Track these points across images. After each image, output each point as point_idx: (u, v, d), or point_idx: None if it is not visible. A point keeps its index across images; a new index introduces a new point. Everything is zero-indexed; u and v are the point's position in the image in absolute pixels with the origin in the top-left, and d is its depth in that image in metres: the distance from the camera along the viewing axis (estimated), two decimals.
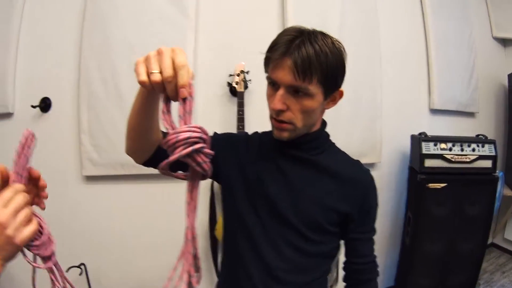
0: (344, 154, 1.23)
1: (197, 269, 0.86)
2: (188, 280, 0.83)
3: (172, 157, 0.75)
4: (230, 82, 2.25)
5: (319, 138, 1.17)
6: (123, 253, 2.43)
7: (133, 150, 1.10)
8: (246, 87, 2.22)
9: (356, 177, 1.17)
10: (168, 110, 0.77)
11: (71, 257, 2.42)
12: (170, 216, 2.27)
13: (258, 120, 2.26)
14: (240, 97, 2.20)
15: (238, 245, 1.17)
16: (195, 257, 0.86)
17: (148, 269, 2.41)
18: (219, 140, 1.20)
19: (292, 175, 1.14)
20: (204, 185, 2.27)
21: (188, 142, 0.74)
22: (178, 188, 2.26)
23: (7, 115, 2.46)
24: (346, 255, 1.23)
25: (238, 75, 2.21)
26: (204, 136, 0.76)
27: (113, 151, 2.23)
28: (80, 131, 2.27)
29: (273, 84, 1.06)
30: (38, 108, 2.34)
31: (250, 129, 2.21)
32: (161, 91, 0.77)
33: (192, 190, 0.82)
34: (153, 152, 1.08)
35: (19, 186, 0.79)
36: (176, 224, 2.27)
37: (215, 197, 2.28)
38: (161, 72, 0.74)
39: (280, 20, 2.42)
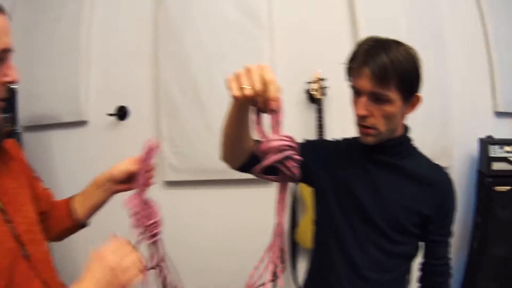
0: (425, 158, 1.29)
1: (283, 261, 0.94)
2: (273, 270, 0.91)
3: (265, 162, 0.84)
4: (308, 89, 2.30)
5: (402, 143, 1.24)
6: (201, 257, 2.49)
7: (228, 157, 1.20)
8: (323, 94, 2.27)
9: (437, 181, 1.24)
10: (259, 121, 0.86)
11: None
12: (248, 220, 2.34)
13: (337, 126, 2.29)
14: (319, 104, 2.25)
15: (328, 245, 1.27)
16: (282, 250, 0.93)
17: (226, 272, 2.47)
18: (311, 146, 1.32)
19: (378, 179, 1.22)
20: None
21: (280, 149, 0.83)
22: (257, 193, 2.34)
23: (82, 123, 2.57)
24: (424, 256, 1.30)
25: (315, 82, 2.26)
26: (293, 144, 0.85)
27: (195, 157, 2.32)
28: (161, 138, 2.36)
29: (356, 92, 1.16)
30: (114, 116, 2.44)
31: (329, 135, 2.26)
32: (252, 104, 0.86)
33: (282, 191, 0.91)
34: (247, 158, 1.16)
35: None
36: (253, 227, 2.35)
37: (296, 202, 2.33)
38: (251, 87, 0.82)
39: (351, 25, 2.45)
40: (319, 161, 1.29)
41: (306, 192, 2.25)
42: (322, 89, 2.26)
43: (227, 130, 1.10)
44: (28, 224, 0.99)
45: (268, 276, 0.91)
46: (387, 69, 1.08)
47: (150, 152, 1.08)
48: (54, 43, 2.65)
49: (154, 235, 1.09)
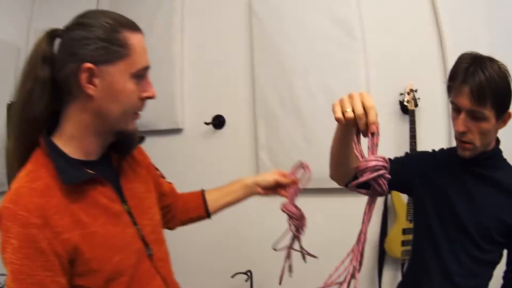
0: None
1: (360, 265, 1.03)
2: (352, 272, 1.01)
3: (361, 179, 0.94)
4: (401, 100, 2.33)
5: (495, 156, 1.34)
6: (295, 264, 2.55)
7: (335, 175, 1.37)
8: (416, 105, 2.28)
9: None
10: (358, 142, 0.97)
11: (240, 263, 2.60)
12: (342, 228, 2.38)
13: (429, 137, 2.30)
14: (411, 115, 2.27)
15: (425, 251, 1.38)
16: (361, 255, 1.03)
17: (312, 280, 2.52)
18: (411, 159, 1.50)
19: (474, 190, 1.32)
20: (379, 201, 2.36)
21: (375, 169, 0.92)
22: (349, 202, 2.38)
23: (177, 131, 2.69)
24: (507, 264, 1.38)
25: (408, 93, 2.28)
26: (386, 164, 0.94)
27: (292, 166, 2.36)
28: (258, 147, 2.45)
29: (456, 109, 1.25)
30: (210, 125, 2.54)
31: (421, 146, 2.26)
32: (353, 126, 0.96)
33: (371, 204, 1.00)
34: (352, 176, 1.20)
35: None
36: (347, 235, 2.38)
37: (387, 212, 2.36)
38: (353, 111, 0.93)
39: (438, 36, 2.46)
40: (418, 172, 1.42)
41: (398, 202, 2.27)
42: (414, 100, 2.27)
43: (333, 150, 1.24)
44: (153, 226, 1.10)
45: (346, 276, 1.01)
46: (484, 89, 1.17)
47: (301, 168, 1.44)
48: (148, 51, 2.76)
49: (300, 230, 1.44)
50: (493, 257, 1.34)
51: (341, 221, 2.40)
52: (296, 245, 1.47)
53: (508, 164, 1.37)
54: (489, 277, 1.37)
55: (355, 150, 0.96)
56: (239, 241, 2.69)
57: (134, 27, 0.98)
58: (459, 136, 1.27)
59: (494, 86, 1.17)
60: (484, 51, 2.17)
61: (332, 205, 2.42)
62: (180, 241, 2.86)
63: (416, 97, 2.28)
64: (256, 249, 2.63)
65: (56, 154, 0.91)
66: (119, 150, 1.06)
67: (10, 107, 2.46)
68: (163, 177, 1.35)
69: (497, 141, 1.35)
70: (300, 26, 2.43)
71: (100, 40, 0.90)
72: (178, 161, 2.79)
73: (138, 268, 1.00)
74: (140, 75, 0.97)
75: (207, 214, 1.45)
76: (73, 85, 0.91)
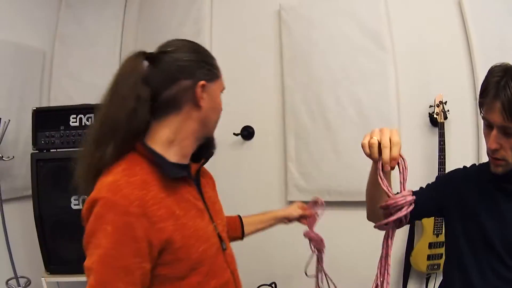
0: None
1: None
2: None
3: (392, 218, 0.98)
4: (431, 112, 2.32)
5: None
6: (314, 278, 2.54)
7: (371, 216, 1.39)
8: (445, 117, 2.27)
9: None
10: (384, 176, 0.99)
11: (265, 275, 2.60)
12: (368, 243, 2.36)
13: (458, 150, 2.30)
14: (441, 127, 2.25)
15: (454, 268, 1.33)
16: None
17: None
18: (442, 182, 1.45)
19: (504, 207, 1.24)
20: None
21: (403, 206, 0.96)
22: None
23: None
24: None
25: (437, 105, 2.27)
26: (412, 199, 0.97)
27: (321, 178, 2.37)
28: (287, 159, 2.46)
29: (488, 125, 1.18)
30: (239, 136, 2.54)
31: (450, 159, 2.25)
32: (376, 157, 0.98)
33: (393, 231, 1.04)
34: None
35: None
36: (369, 248, 2.37)
37: (414, 226, 2.34)
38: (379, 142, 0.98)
39: (466, 47, 2.44)
40: (449, 194, 1.37)
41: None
42: (444, 113, 2.26)
43: (368, 191, 1.28)
44: (223, 225, 1.25)
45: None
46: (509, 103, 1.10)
47: (317, 204, 1.75)
48: None
49: (321, 251, 1.72)
50: None
51: (369, 234, 2.38)
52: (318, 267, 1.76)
53: None
54: None
55: (382, 185, 0.99)
56: (265, 253, 2.68)
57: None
58: (491, 153, 1.21)
59: None
60: None
61: (359, 217, 2.40)
62: None
63: (446, 109, 2.27)
64: (281, 261, 2.63)
65: (158, 155, 1.05)
66: (195, 159, 1.20)
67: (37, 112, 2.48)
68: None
69: None
70: (330, 36, 2.44)
71: (205, 63, 1.12)
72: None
73: (215, 260, 1.13)
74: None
75: (242, 236, 1.67)
76: (183, 98, 1.07)
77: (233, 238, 1.57)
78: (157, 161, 1.03)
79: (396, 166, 0.99)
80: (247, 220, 1.68)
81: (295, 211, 1.74)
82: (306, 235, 1.71)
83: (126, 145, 1.04)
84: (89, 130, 1.11)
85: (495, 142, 1.17)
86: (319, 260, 1.76)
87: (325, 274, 1.74)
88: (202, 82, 1.07)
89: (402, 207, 0.97)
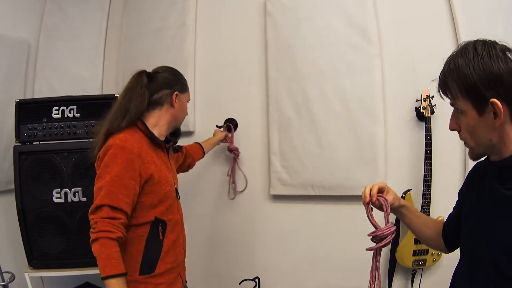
0: None
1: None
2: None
3: (380, 245, 1.26)
4: (417, 107, 2.30)
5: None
6: (297, 271, 2.55)
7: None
8: (432, 112, 2.26)
9: None
10: (370, 213, 1.30)
11: (248, 270, 2.61)
12: (350, 237, 2.36)
13: (445, 144, 2.28)
14: (427, 122, 2.24)
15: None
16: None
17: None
18: (459, 193, 1.35)
19: (484, 205, 1.11)
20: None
21: (388, 235, 1.25)
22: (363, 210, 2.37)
23: (188, 134, 2.73)
24: None
25: (424, 100, 2.26)
26: (394, 228, 1.25)
27: (305, 172, 2.36)
28: (271, 152, 2.45)
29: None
30: (222, 128, 2.54)
31: (436, 153, 2.24)
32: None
33: (378, 255, 1.30)
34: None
35: None
36: (351, 243, 2.37)
37: (400, 222, 2.33)
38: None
39: (455, 42, 2.43)
40: (461, 204, 1.31)
41: None
42: (430, 107, 2.25)
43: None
44: (177, 183, 1.92)
45: None
46: (445, 77, 1.05)
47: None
48: (158, 53, 2.79)
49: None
50: None
51: (351, 228, 2.39)
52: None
53: None
54: None
55: (371, 221, 1.28)
56: (248, 248, 2.68)
57: None
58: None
59: (463, 73, 1.00)
60: None
61: (342, 212, 2.41)
62: (188, 248, 2.86)
63: (432, 104, 2.26)
64: (264, 256, 2.63)
65: (149, 130, 1.73)
66: (168, 141, 1.88)
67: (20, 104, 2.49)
68: (182, 150, 2.23)
69: None
70: (316, 29, 2.41)
71: (180, 82, 1.88)
72: None
73: (173, 202, 1.77)
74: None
75: (203, 155, 2.42)
76: (165, 100, 1.79)
77: (199, 157, 2.39)
78: (148, 133, 1.72)
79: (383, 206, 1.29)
80: (203, 144, 2.42)
81: (221, 134, 2.52)
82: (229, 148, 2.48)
83: (133, 121, 1.69)
84: (109, 111, 1.73)
85: (451, 121, 1.11)
86: (235, 160, 2.55)
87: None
88: (176, 92, 1.82)
89: (387, 236, 1.25)
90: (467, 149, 1.13)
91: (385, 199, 1.29)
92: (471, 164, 2.18)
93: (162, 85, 1.79)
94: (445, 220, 1.42)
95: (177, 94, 1.81)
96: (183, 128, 2.69)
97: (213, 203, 2.76)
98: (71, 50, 3.00)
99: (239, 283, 2.53)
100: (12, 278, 2.56)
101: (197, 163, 2.66)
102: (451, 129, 1.12)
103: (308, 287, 2.53)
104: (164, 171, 1.73)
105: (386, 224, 1.25)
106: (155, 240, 1.68)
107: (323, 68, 2.36)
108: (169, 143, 1.89)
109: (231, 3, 2.71)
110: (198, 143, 2.41)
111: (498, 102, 0.96)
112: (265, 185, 2.59)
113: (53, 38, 3.04)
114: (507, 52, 1.00)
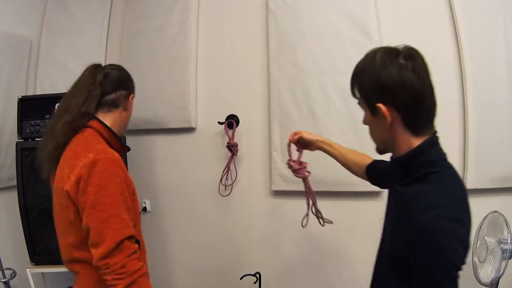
0: (429, 189, 1.05)
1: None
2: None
3: (294, 174, 1.92)
4: None
5: (407, 164, 1.11)
6: (298, 266, 2.58)
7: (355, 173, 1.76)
8: None
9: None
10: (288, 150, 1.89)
11: (249, 265, 2.65)
12: (351, 233, 2.39)
13: (444, 141, 2.21)
14: None
15: None
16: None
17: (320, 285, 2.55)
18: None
19: (390, 205, 1.25)
20: None
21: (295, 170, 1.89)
22: (364, 206, 2.40)
23: (190, 130, 2.74)
24: None
25: None
26: (298, 168, 1.89)
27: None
28: (272, 148, 2.49)
29: None
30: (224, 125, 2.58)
31: None
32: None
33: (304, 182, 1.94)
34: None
35: None
36: (356, 237, 2.40)
37: None
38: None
39: (455, 41, 2.47)
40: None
41: None
42: None
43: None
44: None
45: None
46: (352, 79, 1.19)
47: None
48: (160, 50, 2.83)
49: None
50: None
51: (352, 223, 2.42)
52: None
53: (436, 182, 1.06)
54: None
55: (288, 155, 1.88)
56: (249, 243, 2.72)
57: None
58: None
59: (356, 76, 1.17)
60: (501, 53, 2.21)
61: (343, 207, 2.44)
62: (189, 243, 2.90)
63: None
64: (265, 251, 2.66)
65: (115, 135, 1.56)
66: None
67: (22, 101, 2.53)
68: None
69: (418, 150, 1.10)
70: (317, 27, 2.45)
71: (131, 82, 1.69)
72: (190, 160, 2.84)
73: (139, 221, 1.56)
74: None
75: None
76: (120, 101, 1.59)
77: None
78: (115, 137, 1.55)
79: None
80: None
81: None
82: (229, 143, 2.52)
83: (78, 121, 1.46)
84: (54, 114, 1.53)
85: (364, 117, 1.21)
86: (232, 156, 2.56)
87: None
88: (132, 95, 1.66)
89: (295, 170, 1.91)
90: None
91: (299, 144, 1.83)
92: (471, 161, 2.24)
93: (119, 84, 1.59)
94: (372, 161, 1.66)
95: (133, 97, 1.65)
96: (184, 124, 2.76)
97: (214, 199, 2.79)
98: (73, 46, 3.02)
99: (240, 278, 2.57)
100: (14, 274, 2.59)
101: (195, 159, 2.74)
102: (364, 123, 1.23)
103: (309, 282, 2.56)
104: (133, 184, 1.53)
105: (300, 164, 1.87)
106: None
107: (324, 65, 2.40)
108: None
109: (233, 0, 2.75)
110: None
111: (383, 107, 1.07)
112: (266, 181, 2.63)
113: (55, 34, 3.07)
114: (409, 61, 1.08)
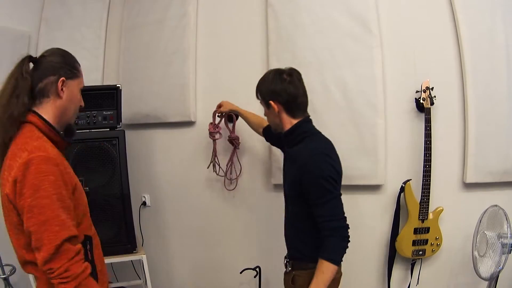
0: (305, 143, 1.77)
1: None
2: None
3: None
4: (417, 98, 2.34)
5: (290, 135, 1.82)
6: None
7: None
8: (432, 103, 2.29)
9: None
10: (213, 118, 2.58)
11: (249, 259, 2.69)
12: (352, 226, 2.40)
13: (444, 135, 2.34)
14: (427, 113, 2.28)
15: None
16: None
17: None
18: None
19: (284, 163, 1.96)
20: (392, 200, 2.41)
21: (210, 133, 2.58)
22: (361, 200, 2.40)
23: (189, 124, 2.75)
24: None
25: (424, 91, 2.29)
26: (213, 130, 2.56)
27: None
28: None
29: None
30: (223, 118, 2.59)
31: (436, 144, 2.28)
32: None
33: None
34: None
35: None
36: (356, 231, 2.41)
37: (400, 210, 2.38)
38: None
39: (455, 35, 2.46)
40: None
41: (410, 202, 2.29)
42: (430, 98, 2.29)
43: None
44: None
45: None
46: (256, 88, 1.91)
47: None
48: (159, 43, 2.83)
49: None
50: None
51: (352, 217, 2.41)
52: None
53: (309, 140, 1.78)
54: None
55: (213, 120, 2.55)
56: (249, 237, 2.73)
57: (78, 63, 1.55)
58: None
59: (259, 88, 1.88)
60: (501, 47, 2.22)
61: (343, 201, 2.43)
62: (188, 237, 2.92)
63: (432, 95, 2.29)
64: (265, 245, 2.67)
65: (54, 127, 1.44)
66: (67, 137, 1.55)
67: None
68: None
69: (296, 125, 1.81)
70: (316, 20, 2.45)
71: (68, 65, 1.48)
72: (190, 153, 2.85)
73: (87, 217, 1.48)
74: (81, 91, 1.54)
75: None
76: (50, 89, 1.44)
77: None
78: (48, 130, 1.41)
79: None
80: None
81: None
82: (230, 137, 2.62)
83: (10, 119, 1.35)
84: None
85: (264, 112, 1.94)
86: (234, 150, 2.67)
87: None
88: (62, 79, 1.44)
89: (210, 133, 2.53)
90: None
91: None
92: (470, 156, 2.26)
93: (46, 71, 1.43)
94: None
95: (63, 81, 1.44)
96: (184, 118, 2.76)
97: (214, 193, 2.80)
98: (71, 41, 3.02)
99: (240, 272, 2.59)
100: (13, 270, 2.60)
101: (195, 153, 2.74)
102: (264, 115, 1.97)
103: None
104: (75, 177, 1.44)
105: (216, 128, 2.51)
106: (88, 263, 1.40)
107: (324, 59, 2.40)
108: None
109: None
110: None
111: (273, 103, 1.80)
112: (267, 174, 2.64)
113: (54, 29, 3.07)
114: (290, 75, 1.82)
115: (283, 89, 1.78)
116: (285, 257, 2.02)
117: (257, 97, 1.91)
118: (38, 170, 1.24)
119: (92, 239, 1.45)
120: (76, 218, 1.35)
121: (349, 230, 1.76)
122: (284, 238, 2.05)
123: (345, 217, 1.76)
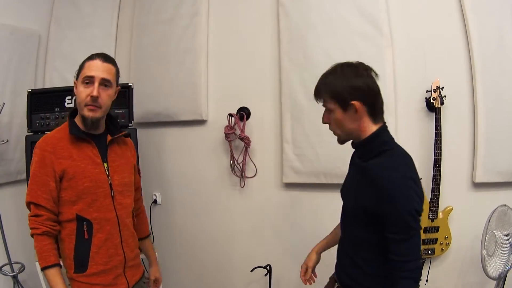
0: (386, 161, 1.46)
1: None
2: None
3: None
4: (428, 97, 2.39)
5: (366, 145, 1.51)
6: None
7: None
8: (442, 102, 2.34)
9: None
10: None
11: (260, 257, 2.74)
12: None
13: (454, 135, 2.39)
14: (437, 112, 2.33)
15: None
16: None
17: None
18: None
19: (354, 177, 1.63)
20: None
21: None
22: None
23: (201, 122, 2.80)
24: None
25: (434, 91, 2.34)
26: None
27: (317, 160, 2.47)
28: (283, 140, 2.56)
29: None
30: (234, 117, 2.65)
31: (446, 143, 2.32)
32: None
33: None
34: None
35: None
36: None
37: None
38: None
39: (465, 34, 2.50)
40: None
41: None
42: (440, 98, 2.33)
43: None
44: (121, 183, 1.83)
45: None
46: (318, 87, 1.56)
47: None
48: (170, 42, 2.88)
49: None
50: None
51: None
52: None
53: (390, 154, 1.48)
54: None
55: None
56: (259, 236, 2.79)
57: (92, 57, 1.74)
58: None
59: (325, 83, 1.53)
60: (510, 46, 2.26)
61: None
62: (199, 235, 2.97)
63: (442, 95, 2.34)
64: (276, 244, 2.73)
65: (73, 124, 1.76)
66: (111, 134, 1.85)
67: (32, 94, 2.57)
68: (139, 174, 2.12)
69: (375, 133, 1.50)
70: (327, 19, 2.50)
71: (78, 69, 1.75)
72: (201, 152, 2.91)
73: (103, 200, 1.74)
74: (86, 82, 1.69)
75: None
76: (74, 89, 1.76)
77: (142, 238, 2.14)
78: (69, 126, 1.74)
79: None
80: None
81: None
82: (240, 136, 2.63)
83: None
84: None
85: (324, 117, 1.58)
86: (246, 149, 2.65)
87: None
88: (75, 80, 1.74)
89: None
90: (336, 136, 1.60)
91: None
92: (480, 156, 2.29)
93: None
94: None
95: (75, 82, 1.74)
96: (195, 117, 2.82)
97: (225, 191, 2.86)
98: (82, 40, 3.07)
99: (251, 271, 2.64)
100: (22, 268, 2.64)
101: (206, 152, 2.81)
102: (324, 122, 1.59)
103: (320, 274, 2.62)
104: (85, 166, 1.71)
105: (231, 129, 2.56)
106: (82, 239, 1.70)
107: (335, 57, 2.37)
108: (112, 136, 1.84)
109: None
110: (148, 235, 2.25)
111: (357, 103, 1.44)
112: (277, 173, 2.69)
113: (64, 28, 3.12)
114: (367, 69, 1.53)
115: (366, 84, 1.47)
116: (334, 279, 1.83)
117: (320, 99, 1.57)
118: (33, 152, 1.70)
119: (92, 223, 1.71)
120: (70, 198, 1.68)
121: None
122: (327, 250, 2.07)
123: (421, 255, 1.59)
